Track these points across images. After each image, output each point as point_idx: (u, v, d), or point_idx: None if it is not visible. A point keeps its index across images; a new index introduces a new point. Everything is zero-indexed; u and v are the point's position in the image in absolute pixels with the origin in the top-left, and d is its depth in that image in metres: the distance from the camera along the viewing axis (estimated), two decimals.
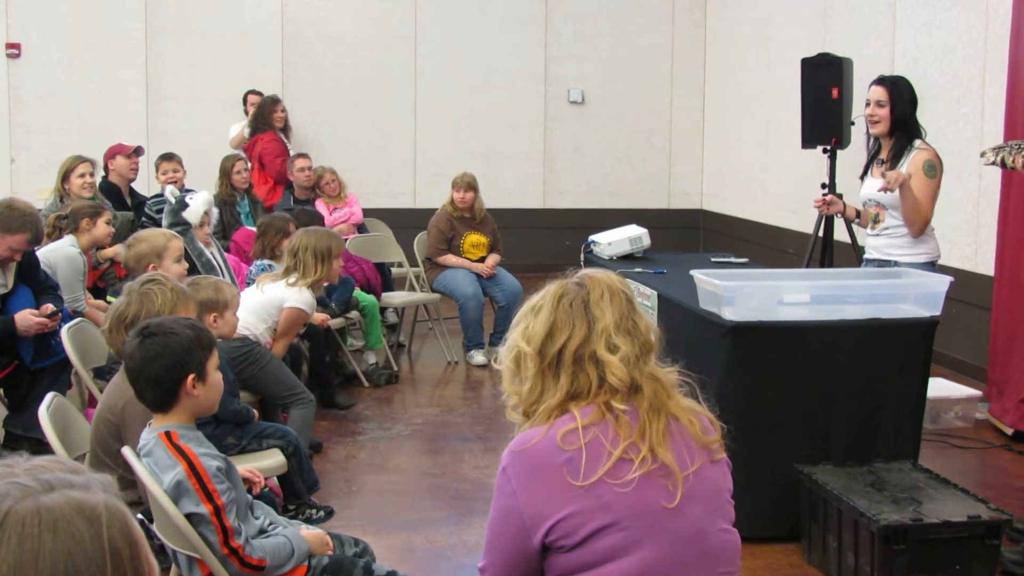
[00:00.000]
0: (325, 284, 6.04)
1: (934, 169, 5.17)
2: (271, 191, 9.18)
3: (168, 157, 8.01)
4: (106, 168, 7.76)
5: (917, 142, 5.23)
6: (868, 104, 5.28)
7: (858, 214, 5.60)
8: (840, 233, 6.79)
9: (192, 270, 5.67)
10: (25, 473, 1.19)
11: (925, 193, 5.14)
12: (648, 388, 2.32)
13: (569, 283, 2.41)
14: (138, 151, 7.88)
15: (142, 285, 3.82)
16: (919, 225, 5.18)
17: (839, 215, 5.87)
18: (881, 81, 5.29)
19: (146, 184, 9.71)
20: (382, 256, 8.38)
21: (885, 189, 5.05)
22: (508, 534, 2.32)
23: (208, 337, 3.12)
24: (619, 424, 2.29)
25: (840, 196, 6.02)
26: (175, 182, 7.66)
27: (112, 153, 7.77)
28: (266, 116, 9.38)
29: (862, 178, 5.49)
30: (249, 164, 8.75)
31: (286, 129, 9.44)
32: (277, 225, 6.48)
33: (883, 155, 5.31)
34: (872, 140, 5.40)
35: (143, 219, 7.33)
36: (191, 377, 3.00)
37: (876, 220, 5.34)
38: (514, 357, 2.41)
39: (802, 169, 9.19)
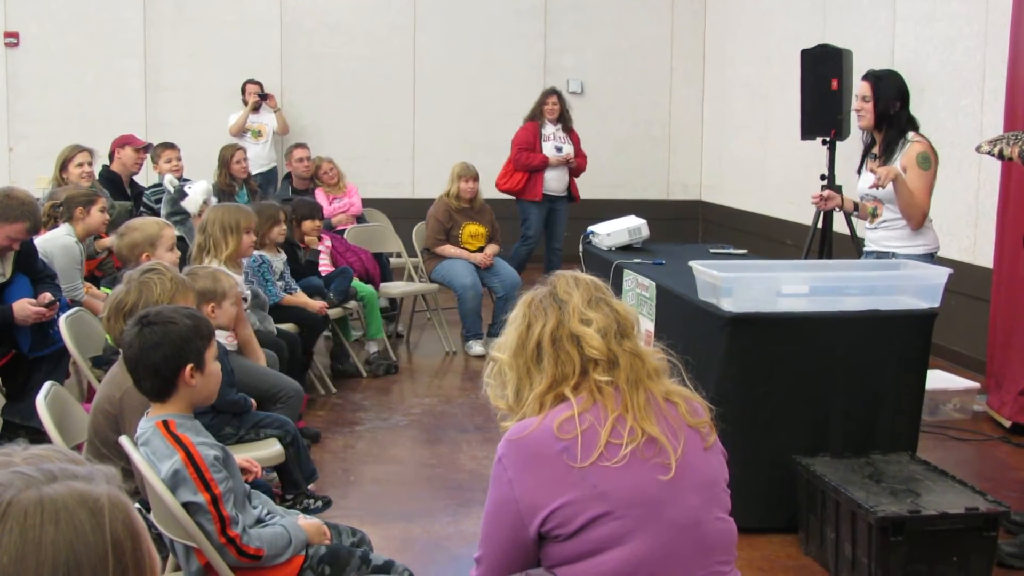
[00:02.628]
0: (242, 259, 5.75)
1: (928, 161, 5.17)
2: (508, 177, 9.36)
3: (170, 145, 7.99)
4: (111, 156, 7.76)
5: (911, 134, 5.23)
6: (856, 99, 5.33)
7: (856, 206, 5.60)
8: (839, 225, 6.79)
9: (190, 260, 5.65)
10: (26, 462, 1.18)
11: (920, 185, 5.13)
12: (625, 361, 2.35)
13: (536, 289, 2.51)
14: (147, 148, 7.88)
15: (142, 274, 3.82)
16: (917, 218, 5.18)
17: (838, 209, 5.86)
18: (866, 76, 5.33)
19: (144, 174, 9.69)
20: (380, 246, 8.38)
21: (876, 185, 5.07)
22: (504, 524, 2.32)
23: (207, 327, 3.11)
24: (604, 396, 2.32)
25: (839, 188, 6.02)
26: (177, 171, 7.65)
27: (123, 142, 7.75)
28: (538, 106, 9.45)
29: (859, 172, 5.51)
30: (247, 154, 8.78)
31: (563, 120, 9.44)
32: (267, 213, 6.40)
33: (876, 149, 5.33)
34: (866, 133, 5.43)
35: (141, 209, 7.33)
36: (189, 367, 2.99)
37: (874, 214, 5.35)
38: (495, 372, 2.49)
39: (801, 161, 9.17)
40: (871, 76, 5.29)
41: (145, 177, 9.11)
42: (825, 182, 6.64)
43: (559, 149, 9.34)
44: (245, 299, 5.62)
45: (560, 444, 2.27)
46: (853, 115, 6.17)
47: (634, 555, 2.24)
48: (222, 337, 5.16)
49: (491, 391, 2.51)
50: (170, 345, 2.97)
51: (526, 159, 9.24)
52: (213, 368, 3.07)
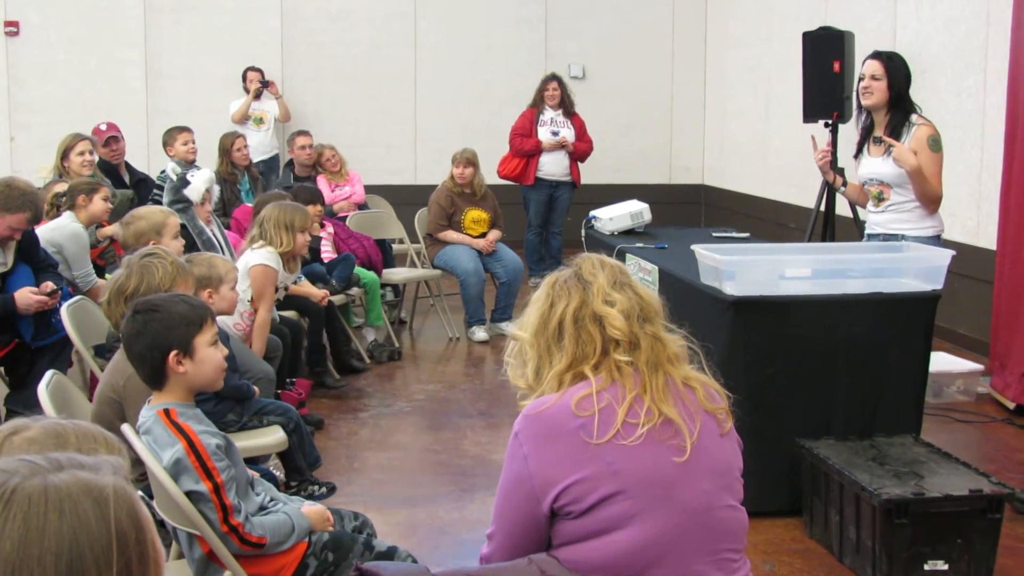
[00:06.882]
0: (293, 257, 6.00)
1: (938, 143, 5.16)
2: (506, 163, 9.39)
3: (185, 128, 7.86)
4: None
5: (914, 117, 5.21)
6: (862, 78, 5.28)
7: (844, 182, 5.62)
8: (842, 207, 6.77)
9: (192, 248, 5.66)
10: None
11: (932, 170, 5.12)
12: (646, 344, 2.36)
13: (561, 270, 2.52)
14: (116, 138, 7.76)
15: (142, 258, 3.81)
16: (935, 204, 5.18)
17: (829, 172, 5.85)
18: (877, 56, 5.29)
19: (145, 160, 9.69)
20: (383, 232, 8.36)
21: (888, 153, 5.06)
22: (518, 499, 2.32)
23: (199, 313, 3.07)
24: (623, 376, 2.32)
25: (842, 171, 6.01)
26: (192, 154, 7.61)
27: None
28: (539, 92, 9.43)
29: (856, 156, 5.48)
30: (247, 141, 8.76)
31: (564, 105, 9.40)
32: (273, 201, 6.43)
33: (878, 132, 5.30)
34: (865, 116, 5.40)
35: (154, 191, 7.29)
36: (173, 353, 2.95)
37: (880, 198, 5.32)
38: (516, 351, 2.49)
39: (803, 144, 9.10)
40: (883, 56, 5.26)
41: (147, 163, 9.11)
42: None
43: (555, 134, 9.32)
44: (285, 288, 5.95)
45: (577, 421, 2.28)
46: (847, 97, 6.15)
47: (642, 536, 2.24)
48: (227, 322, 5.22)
49: (511, 370, 2.52)
50: (151, 334, 2.96)
51: (519, 144, 9.28)
52: (206, 354, 3.03)
